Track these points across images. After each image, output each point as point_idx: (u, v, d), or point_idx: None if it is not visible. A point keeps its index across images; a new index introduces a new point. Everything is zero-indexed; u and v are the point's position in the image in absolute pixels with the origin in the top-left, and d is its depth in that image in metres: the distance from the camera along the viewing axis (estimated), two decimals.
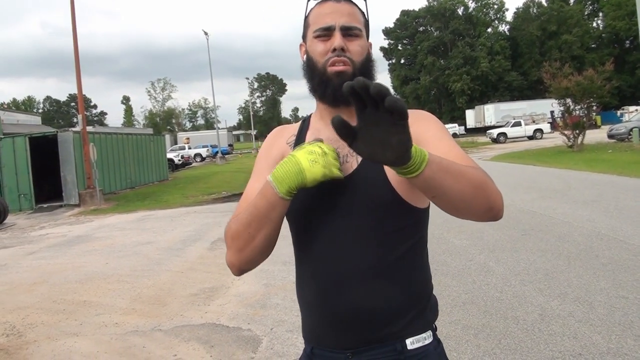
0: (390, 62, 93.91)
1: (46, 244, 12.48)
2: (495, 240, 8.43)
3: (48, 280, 8.57)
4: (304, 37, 1.66)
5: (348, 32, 1.54)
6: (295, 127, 1.74)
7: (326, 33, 1.54)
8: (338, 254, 1.52)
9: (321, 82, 1.55)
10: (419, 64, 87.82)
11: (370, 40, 1.66)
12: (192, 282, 7.73)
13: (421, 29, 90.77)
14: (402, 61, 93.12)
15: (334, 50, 1.52)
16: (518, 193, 13.57)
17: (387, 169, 1.47)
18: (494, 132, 47.85)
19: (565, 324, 4.90)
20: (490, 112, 62.27)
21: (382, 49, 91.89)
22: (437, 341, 1.58)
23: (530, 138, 46.37)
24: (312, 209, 1.57)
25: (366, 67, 1.57)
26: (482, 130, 59.78)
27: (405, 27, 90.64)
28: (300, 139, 1.66)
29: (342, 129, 1.08)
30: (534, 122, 49.35)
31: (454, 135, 63.30)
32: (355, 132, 1.09)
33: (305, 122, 1.72)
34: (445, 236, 8.91)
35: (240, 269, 1.60)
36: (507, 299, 5.71)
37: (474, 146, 42.64)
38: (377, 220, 1.50)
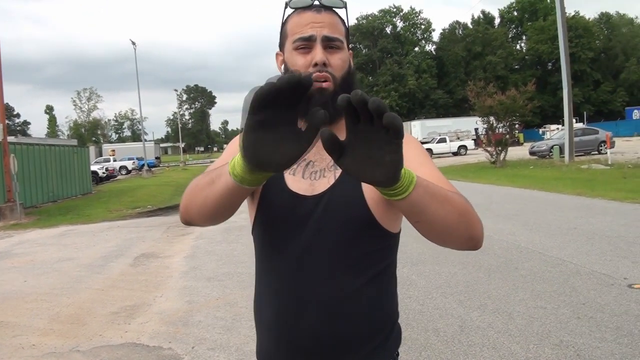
0: None
1: None
2: (418, 253, 8.57)
3: None
4: (281, 46, 1.59)
5: (329, 44, 1.48)
6: None
7: (306, 44, 1.47)
8: (303, 273, 1.46)
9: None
10: None
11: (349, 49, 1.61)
12: (113, 300, 7.56)
13: (350, 45, 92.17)
14: None
15: (315, 64, 1.45)
16: None
17: (365, 188, 1.42)
18: None
19: (485, 335, 5.04)
20: (417, 129, 63.41)
21: None
22: None
23: (455, 154, 47.67)
24: (280, 222, 1.50)
25: (347, 81, 1.50)
26: None
27: None
28: None
29: (331, 144, 1.00)
30: (458, 138, 50.87)
31: None
32: (343, 147, 1.02)
33: None
34: None
35: (184, 219, 1.53)
36: (428, 312, 5.84)
37: None
38: (348, 241, 1.44)
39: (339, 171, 1.46)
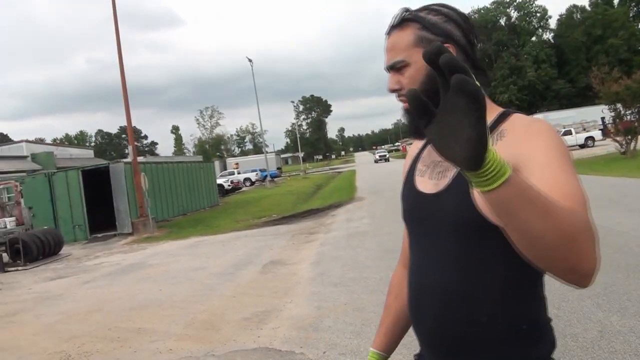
0: None
1: (101, 273, 12.68)
2: None
3: (103, 309, 8.69)
4: None
5: (395, 69, 1.51)
6: (420, 143, 1.70)
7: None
8: (422, 270, 1.51)
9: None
10: None
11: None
12: (245, 306, 7.72)
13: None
14: None
15: (391, 91, 1.52)
16: None
17: None
18: None
19: (627, 341, 4.70)
20: None
21: None
22: None
23: (582, 146, 45.30)
24: (408, 220, 1.61)
25: (428, 85, 1.43)
26: None
27: None
28: (418, 157, 1.65)
29: (417, 105, 0.92)
30: (584, 130, 48.23)
31: None
32: (432, 113, 0.92)
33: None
34: None
35: None
36: (565, 316, 5.52)
37: None
38: (460, 243, 1.40)
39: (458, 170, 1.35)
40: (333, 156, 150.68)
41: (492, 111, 1.47)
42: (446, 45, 1.45)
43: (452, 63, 0.86)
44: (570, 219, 1.02)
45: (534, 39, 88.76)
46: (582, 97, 73.62)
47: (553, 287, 6.36)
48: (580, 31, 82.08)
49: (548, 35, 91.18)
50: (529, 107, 78.29)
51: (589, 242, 1.04)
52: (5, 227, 16.98)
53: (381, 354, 1.81)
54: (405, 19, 1.51)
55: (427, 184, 1.52)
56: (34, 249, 15.86)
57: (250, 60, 54.31)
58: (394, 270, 1.90)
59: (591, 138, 46.36)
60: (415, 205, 1.54)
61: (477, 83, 0.87)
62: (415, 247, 1.55)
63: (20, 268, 15.14)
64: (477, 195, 1.18)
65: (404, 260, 1.77)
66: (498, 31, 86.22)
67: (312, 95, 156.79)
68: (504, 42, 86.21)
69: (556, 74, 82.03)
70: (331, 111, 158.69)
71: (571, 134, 46.46)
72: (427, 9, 1.53)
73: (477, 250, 1.38)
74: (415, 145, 1.71)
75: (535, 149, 1.29)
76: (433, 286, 1.45)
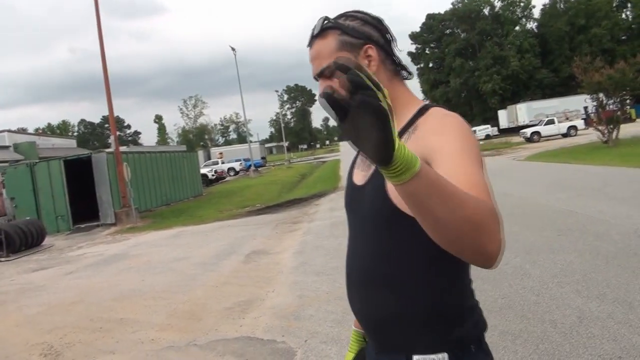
0: (418, 66, 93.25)
1: (84, 264, 12.64)
2: (531, 242, 8.26)
3: (85, 300, 8.68)
4: None
5: (324, 76, 1.59)
6: None
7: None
8: (352, 259, 1.62)
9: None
10: (448, 67, 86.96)
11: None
12: (227, 296, 7.75)
13: (448, 31, 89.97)
14: (431, 65, 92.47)
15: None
16: (553, 192, 13.34)
17: None
18: (528, 132, 47.00)
19: (605, 326, 4.76)
20: (523, 112, 61.41)
21: (410, 53, 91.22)
22: None
23: (565, 135, 45.49)
24: (347, 206, 1.70)
25: None
26: (515, 130, 58.85)
27: (432, 30, 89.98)
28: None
29: (333, 105, 0.97)
30: (567, 119, 48.57)
31: (487, 137, 62.60)
32: (346, 108, 0.96)
33: None
34: None
35: None
36: (544, 302, 5.58)
37: (508, 146, 42.11)
38: (379, 231, 1.51)
39: None
40: (318, 146, 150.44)
41: (413, 106, 1.58)
42: (367, 45, 1.58)
43: (355, 81, 0.94)
44: (476, 206, 1.10)
45: (517, 28, 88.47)
46: (565, 87, 73.51)
47: (533, 275, 6.48)
48: (564, 21, 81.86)
49: (532, 25, 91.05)
50: (512, 97, 78.14)
51: (493, 227, 1.12)
52: None
53: (361, 331, 1.90)
54: (325, 28, 1.59)
55: (358, 176, 1.63)
56: (17, 240, 15.78)
57: (233, 49, 54.18)
58: None
59: (574, 127, 46.65)
60: (349, 196, 1.68)
61: (383, 96, 0.95)
62: (349, 235, 1.67)
63: (2, 259, 15.06)
64: (391, 187, 1.33)
65: None
66: (482, 20, 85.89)
67: (296, 85, 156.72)
68: (487, 32, 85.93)
69: (540, 64, 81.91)
70: (315, 100, 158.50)
71: (553, 123, 46.76)
72: (343, 16, 1.63)
73: (396, 237, 1.47)
74: None
75: (444, 142, 1.36)
76: (359, 271, 1.57)
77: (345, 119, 0.97)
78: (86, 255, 14.12)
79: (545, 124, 46.94)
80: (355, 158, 1.72)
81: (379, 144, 0.95)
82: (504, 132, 66.02)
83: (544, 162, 23.94)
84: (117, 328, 6.85)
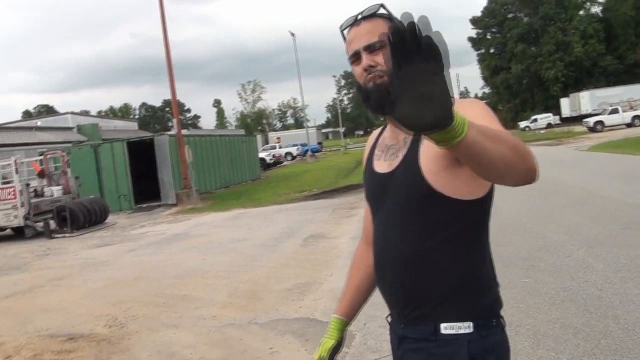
0: (479, 52, 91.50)
1: (146, 242, 12.97)
2: (594, 234, 8.08)
3: (148, 276, 8.91)
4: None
5: (372, 49, 1.65)
6: (377, 132, 1.93)
7: (356, 58, 1.68)
8: (383, 240, 1.72)
9: (366, 98, 1.65)
10: (509, 53, 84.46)
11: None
12: (287, 278, 7.84)
13: (510, 15, 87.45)
14: (492, 50, 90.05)
15: (365, 70, 1.64)
16: (617, 184, 12.98)
17: (422, 161, 1.57)
18: (591, 121, 45.71)
19: None
20: (586, 100, 59.62)
21: (470, 39, 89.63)
22: (480, 336, 1.58)
23: (629, 125, 43.97)
24: (373, 196, 1.79)
25: None
26: (578, 119, 57.31)
27: (494, 15, 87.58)
28: (375, 144, 1.87)
29: (376, 99, 1.10)
30: (631, 108, 46.71)
31: (549, 125, 61.29)
32: (391, 100, 1.05)
33: (384, 127, 1.88)
34: (541, 231, 8.60)
35: None
36: (607, 297, 5.45)
37: (570, 136, 41.14)
38: (413, 212, 1.62)
39: (407, 149, 1.65)
40: None
41: None
42: None
43: (418, 27, 1.01)
44: (509, 137, 1.30)
45: (581, 12, 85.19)
46: (630, 75, 70.84)
47: (596, 268, 6.34)
48: (630, 5, 78.14)
49: (596, 9, 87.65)
50: (575, 84, 75.50)
51: (524, 146, 1.31)
52: (53, 195, 17.41)
53: (343, 320, 2.11)
54: (376, 14, 1.69)
55: (382, 165, 1.74)
56: (81, 217, 16.27)
57: (293, 35, 54.24)
58: (357, 246, 2.16)
59: (638, 117, 45.00)
60: (374, 185, 1.77)
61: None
62: (377, 222, 1.77)
63: (67, 235, 15.55)
64: (427, 165, 1.56)
65: (366, 237, 1.99)
66: (545, 5, 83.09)
67: None
68: (550, 16, 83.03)
69: (604, 50, 78.76)
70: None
71: (617, 112, 45.23)
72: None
73: (429, 217, 1.60)
74: (373, 135, 1.94)
75: (469, 113, 1.40)
76: (394, 252, 1.66)
77: (399, 74, 1.03)
78: (148, 234, 14.48)
79: (610, 113, 45.46)
80: (372, 151, 1.85)
81: (443, 99, 1.03)
82: (566, 120, 64.24)
83: (608, 153, 23.29)
84: (179, 304, 7.03)
